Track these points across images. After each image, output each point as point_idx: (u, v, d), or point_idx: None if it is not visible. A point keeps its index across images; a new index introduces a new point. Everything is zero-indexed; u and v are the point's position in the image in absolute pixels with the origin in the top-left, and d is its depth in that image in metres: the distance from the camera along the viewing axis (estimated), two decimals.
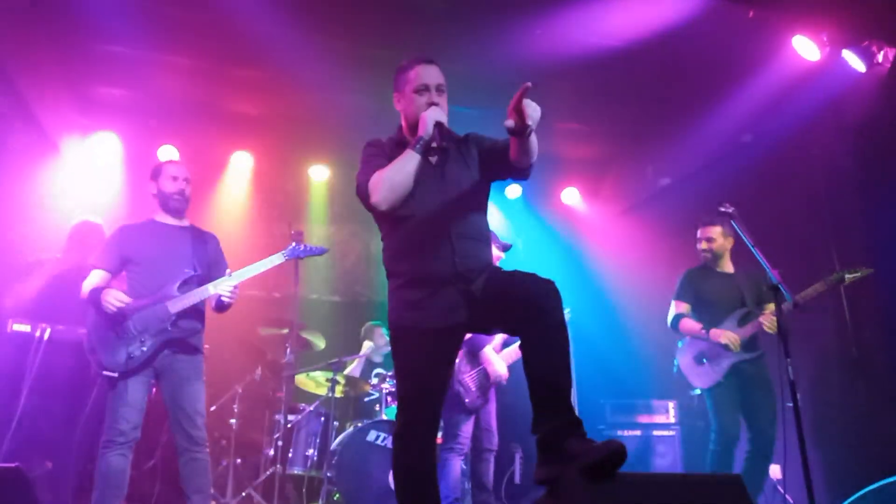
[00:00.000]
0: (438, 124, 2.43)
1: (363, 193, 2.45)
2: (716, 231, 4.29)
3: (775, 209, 4.92)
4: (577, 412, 2.13)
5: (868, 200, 4.62)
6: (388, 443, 4.47)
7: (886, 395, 4.21)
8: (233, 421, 5.04)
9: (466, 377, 4.29)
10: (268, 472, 4.71)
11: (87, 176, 5.80)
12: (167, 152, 6.41)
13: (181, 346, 3.41)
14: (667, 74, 5.28)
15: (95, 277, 3.45)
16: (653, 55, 4.99)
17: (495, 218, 6.91)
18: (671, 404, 5.23)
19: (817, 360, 4.68)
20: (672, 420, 5.19)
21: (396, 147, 2.53)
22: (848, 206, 4.71)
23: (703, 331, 4.13)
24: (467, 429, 4.19)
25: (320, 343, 5.37)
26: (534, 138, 2.37)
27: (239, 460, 5.01)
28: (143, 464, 4.34)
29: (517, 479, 5.93)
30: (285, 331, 5.03)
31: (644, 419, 5.21)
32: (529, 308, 2.18)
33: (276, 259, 3.55)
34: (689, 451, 5.12)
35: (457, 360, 4.35)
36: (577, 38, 4.96)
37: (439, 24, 4.91)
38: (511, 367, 4.35)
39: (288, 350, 4.76)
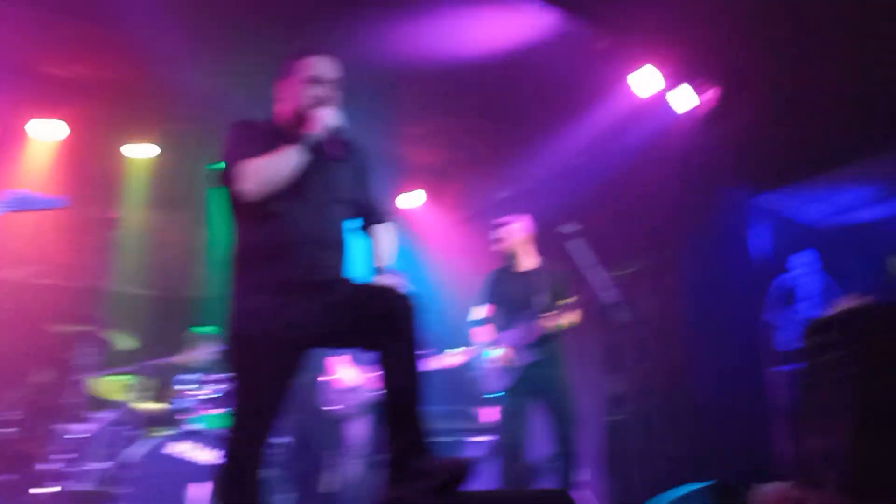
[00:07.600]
0: (333, 129, 2.29)
1: (229, 177, 2.23)
2: (506, 230, 4.33)
3: (608, 228, 5.20)
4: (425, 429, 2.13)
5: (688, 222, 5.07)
6: (191, 457, 4.08)
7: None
8: (6, 430, 4.28)
9: None
10: (49, 489, 4.05)
11: None
12: None
13: None
14: (512, 91, 5.43)
15: None
16: (501, 71, 5.11)
17: None
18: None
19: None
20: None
21: (274, 136, 2.30)
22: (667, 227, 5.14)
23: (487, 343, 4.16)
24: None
25: (129, 343, 4.74)
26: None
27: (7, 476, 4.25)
28: None
29: None
30: (84, 328, 4.36)
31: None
32: (388, 325, 2.17)
33: None
34: None
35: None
36: (430, 46, 4.94)
37: (296, 15, 4.64)
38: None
39: (84, 350, 4.14)
